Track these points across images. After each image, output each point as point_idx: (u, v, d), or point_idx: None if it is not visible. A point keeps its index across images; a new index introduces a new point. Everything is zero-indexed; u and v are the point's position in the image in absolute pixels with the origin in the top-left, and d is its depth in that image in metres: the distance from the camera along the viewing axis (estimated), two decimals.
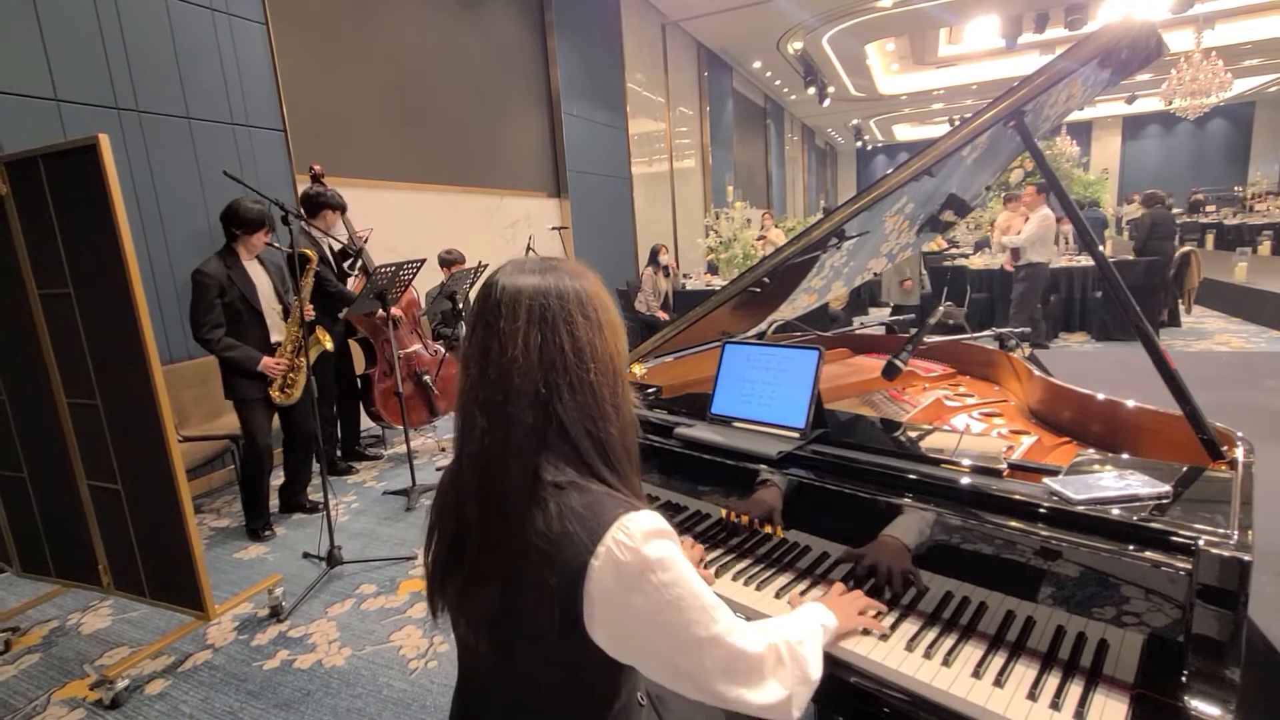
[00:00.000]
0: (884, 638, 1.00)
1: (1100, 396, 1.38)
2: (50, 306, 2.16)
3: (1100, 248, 1.23)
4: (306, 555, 2.92)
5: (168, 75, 3.58)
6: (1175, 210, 15.35)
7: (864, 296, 7.98)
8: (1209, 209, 14.97)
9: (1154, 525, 0.84)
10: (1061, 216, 8.59)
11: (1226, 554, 0.76)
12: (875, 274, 2.55)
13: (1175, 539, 0.81)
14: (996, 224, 5.85)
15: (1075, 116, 19.54)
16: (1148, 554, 0.82)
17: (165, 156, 3.58)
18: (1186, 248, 7.17)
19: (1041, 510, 0.92)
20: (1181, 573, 0.79)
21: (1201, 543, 0.79)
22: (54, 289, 2.13)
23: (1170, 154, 20.72)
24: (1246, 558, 0.75)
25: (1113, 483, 0.94)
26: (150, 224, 3.51)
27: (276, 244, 3.03)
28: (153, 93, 3.51)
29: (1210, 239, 13.09)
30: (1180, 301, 7.09)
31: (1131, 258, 6.71)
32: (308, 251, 3.11)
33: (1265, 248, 10.84)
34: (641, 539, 0.71)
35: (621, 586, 0.70)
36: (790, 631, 0.84)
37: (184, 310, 3.29)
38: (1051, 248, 5.99)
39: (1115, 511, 0.87)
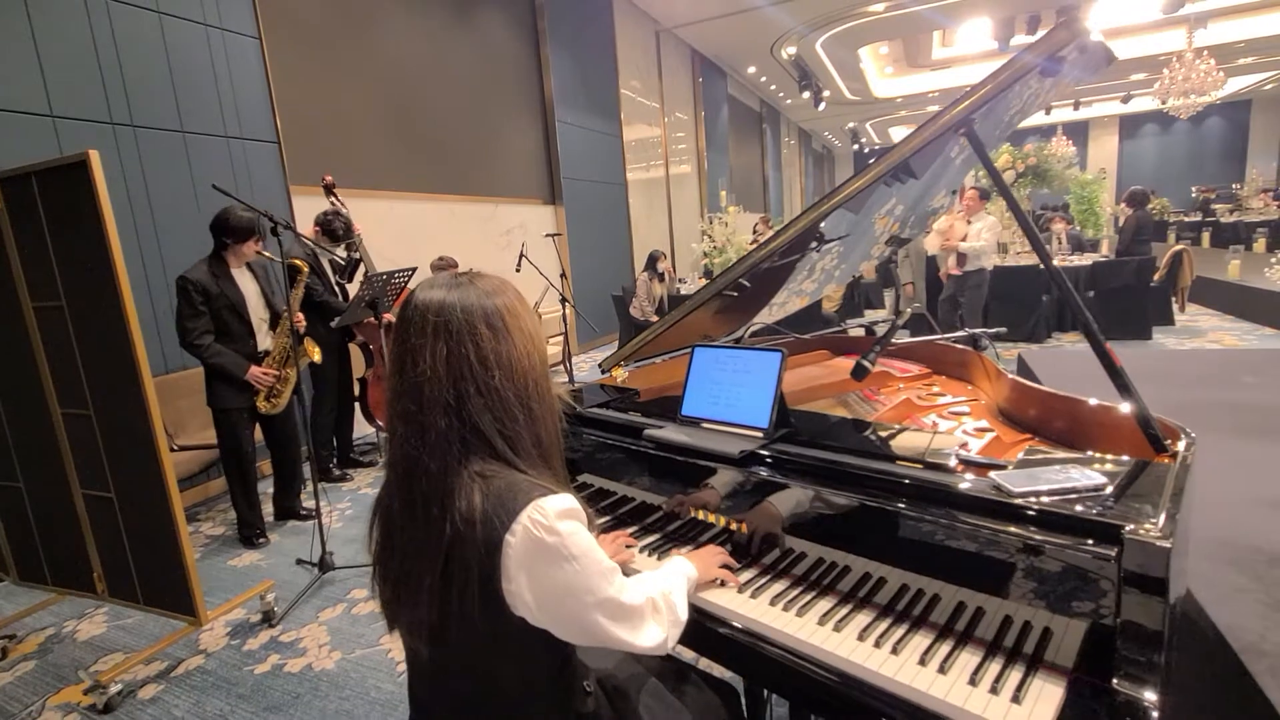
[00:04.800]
0: (838, 629, 1.03)
1: (1062, 395, 1.42)
2: (44, 319, 2.21)
3: (1051, 255, 1.26)
4: (299, 561, 2.95)
5: (162, 90, 3.65)
6: (1176, 209, 15.47)
7: (858, 299, 8.02)
8: (1214, 206, 15.05)
9: (1085, 515, 0.87)
10: (1053, 217, 8.62)
11: (1150, 540, 0.80)
12: (858, 276, 2.59)
13: (1105, 528, 0.84)
14: (935, 228, 5.49)
15: (1072, 116, 19.61)
16: (1078, 542, 0.85)
17: (160, 170, 3.64)
18: (1179, 246, 7.19)
19: (982, 503, 0.95)
20: (1110, 559, 0.82)
21: (1127, 530, 0.82)
22: (47, 302, 2.18)
23: (1167, 153, 20.77)
24: (1167, 544, 0.78)
25: (1053, 475, 0.97)
26: (145, 237, 3.56)
27: (267, 253, 3.05)
28: (147, 107, 3.57)
29: (1206, 237, 13.10)
30: (1174, 300, 7.11)
31: (1123, 258, 6.74)
32: (299, 263, 3.15)
33: (1260, 245, 10.85)
34: (555, 517, 0.79)
35: (537, 559, 0.78)
36: (660, 585, 0.98)
37: None
38: (995, 254, 6.11)
39: (1050, 502, 0.91)
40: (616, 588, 0.86)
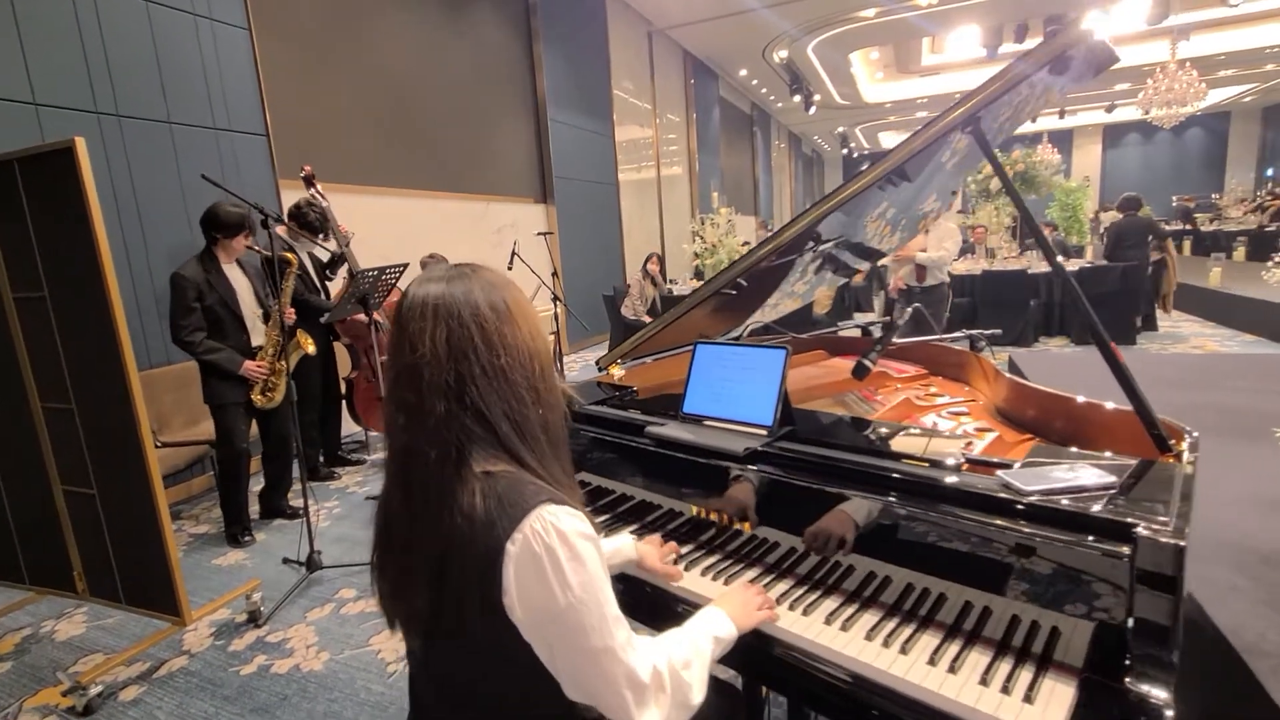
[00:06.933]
0: (845, 628, 1.02)
1: (1061, 395, 1.42)
2: (24, 310, 2.15)
3: (1059, 258, 1.27)
4: (286, 561, 2.90)
5: (148, 79, 3.58)
6: (1158, 218, 15.79)
7: (848, 302, 8.06)
8: (1195, 215, 15.37)
9: (1099, 515, 0.87)
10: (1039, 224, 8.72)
11: (1164, 540, 0.79)
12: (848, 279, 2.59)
13: (1118, 527, 0.84)
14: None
15: (1057, 124, 19.87)
16: (1092, 541, 0.85)
17: (146, 161, 3.57)
18: (1160, 255, 7.30)
19: (994, 502, 0.94)
20: (1123, 559, 0.82)
21: (1141, 529, 0.81)
22: (29, 292, 2.12)
23: (1150, 162, 21.14)
24: (1181, 543, 0.78)
25: (1063, 475, 0.97)
26: (130, 228, 3.49)
27: (257, 247, 3.03)
28: (133, 97, 3.50)
29: (1187, 245, 13.34)
30: (1157, 305, 7.22)
31: (1111, 264, 6.83)
32: (288, 255, 3.11)
33: (1240, 254, 11.06)
34: (558, 535, 0.73)
35: (531, 574, 0.72)
36: (678, 653, 0.83)
37: (164, 315, 3.28)
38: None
39: (1063, 502, 0.90)
40: (620, 642, 0.75)
